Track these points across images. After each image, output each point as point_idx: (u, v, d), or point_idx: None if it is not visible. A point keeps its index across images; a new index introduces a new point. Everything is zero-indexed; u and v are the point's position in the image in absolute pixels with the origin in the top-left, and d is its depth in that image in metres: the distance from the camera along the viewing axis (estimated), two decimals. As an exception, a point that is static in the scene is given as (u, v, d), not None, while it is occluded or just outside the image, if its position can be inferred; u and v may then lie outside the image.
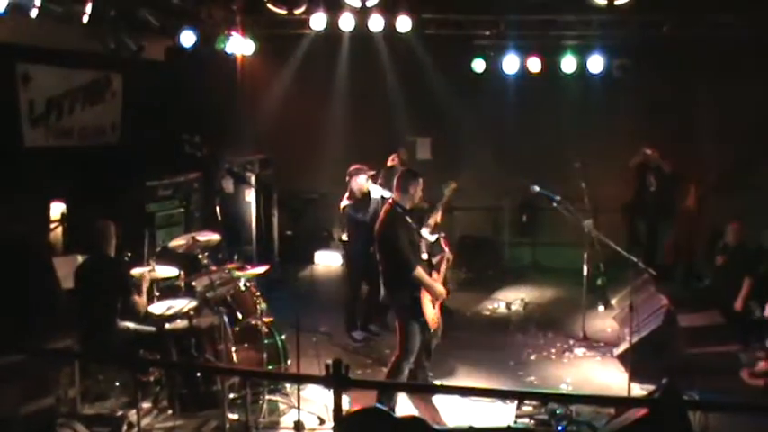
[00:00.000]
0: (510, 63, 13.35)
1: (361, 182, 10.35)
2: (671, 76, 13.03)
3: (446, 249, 8.80)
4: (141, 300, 8.30)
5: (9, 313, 7.94)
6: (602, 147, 13.06)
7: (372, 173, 10.57)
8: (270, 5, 12.04)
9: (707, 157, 13.14)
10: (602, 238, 10.12)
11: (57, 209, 10.57)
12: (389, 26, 12.85)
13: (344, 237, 10.58)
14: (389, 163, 12.23)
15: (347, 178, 10.46)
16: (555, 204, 10.28)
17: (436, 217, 9.07)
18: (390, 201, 8.13)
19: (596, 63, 13.05)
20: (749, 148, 12.73)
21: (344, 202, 10.51)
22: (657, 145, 12.83)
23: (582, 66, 13.15)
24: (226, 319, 8.02)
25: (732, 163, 12.89)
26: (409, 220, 8.03)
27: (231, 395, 7.88)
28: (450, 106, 14.15)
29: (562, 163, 12.22)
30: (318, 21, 12.67)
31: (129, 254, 8.87)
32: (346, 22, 12.72)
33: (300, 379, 8.14)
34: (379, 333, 10.65)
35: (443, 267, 8.59)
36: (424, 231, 8.81)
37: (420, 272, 7.89)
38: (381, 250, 8.09)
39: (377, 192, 10.23)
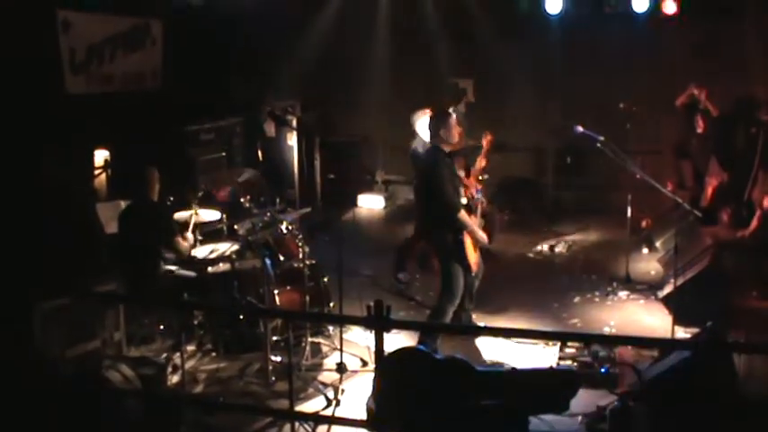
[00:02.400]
0: (553, 3, 13.11)
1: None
2: (719, 13, 12.69)
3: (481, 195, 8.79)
4: (187, 241, 8.36)
5: (54, 257, 8.04)
6: (647, 87, 12.77)
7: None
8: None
9: (758, 96, 12.82)
10: (647, 179, 9.99)
11: (100, 155, 10.65)
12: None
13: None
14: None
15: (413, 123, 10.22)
16: (599, 145, 10.15)
17: (480, 168, 9.03)
18: (432, 145, 8.10)
19: (642, 0, 12.76)
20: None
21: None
22: (706, 85, 12.55)
23: (627, 4, 12.86)
24: (268, 261, 8.10)
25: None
26: (449, 162, 8.00)
27: (274, 337, 7.93)
28: (494, 47, 13.92)
29: (607, 104, 12.01)
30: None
31: (172, 198, 8.94)
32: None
33: (342, 321, 8.20)
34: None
35: (479, 211, 8.59)
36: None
37: (464, 215, 7.92)
38: (425, 192, 8.09)
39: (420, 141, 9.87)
